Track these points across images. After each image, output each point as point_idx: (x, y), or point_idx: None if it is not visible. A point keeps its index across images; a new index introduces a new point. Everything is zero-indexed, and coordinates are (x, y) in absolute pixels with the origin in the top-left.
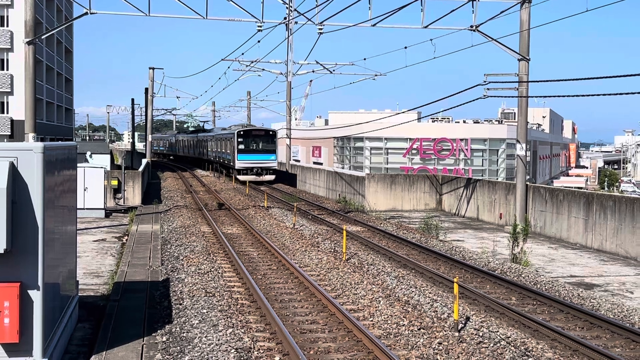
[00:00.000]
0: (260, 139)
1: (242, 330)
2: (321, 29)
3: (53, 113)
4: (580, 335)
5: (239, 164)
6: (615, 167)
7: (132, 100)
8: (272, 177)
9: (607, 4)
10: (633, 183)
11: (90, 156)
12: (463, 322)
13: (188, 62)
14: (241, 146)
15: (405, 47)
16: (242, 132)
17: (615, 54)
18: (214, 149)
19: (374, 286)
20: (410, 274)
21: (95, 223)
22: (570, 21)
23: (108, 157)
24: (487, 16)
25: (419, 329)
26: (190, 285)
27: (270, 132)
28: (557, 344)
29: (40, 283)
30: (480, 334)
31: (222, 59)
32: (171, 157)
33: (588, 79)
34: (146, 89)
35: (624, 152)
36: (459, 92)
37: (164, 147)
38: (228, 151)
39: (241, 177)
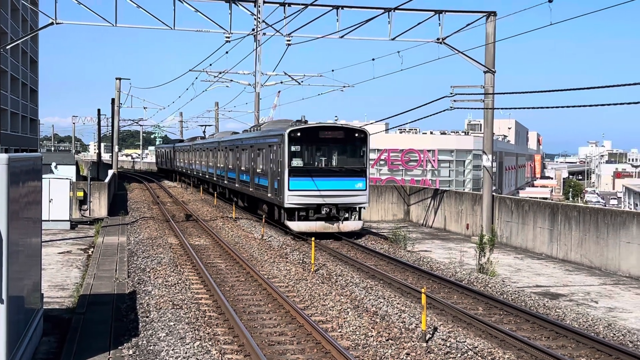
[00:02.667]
0: (336, 147)
1: (210, 343)
2: (289, 40)
3: (18, 124)
4: (546, 345)
5: (291, 198)
6: (580, 177)
7: (99, 110)
8: (358, 225)
9: (570, 18)
10: (597, 194)
11: (56, 167)
12: (431, 332)
13: (155, 72)
14: (297, 160)
15: (373, 59)
16: (301, 132)
17: (579, 66)
18: (235, 165)
19: (342, 297)
20: (379, 285)
21: (61, 235)
22: (535, 34)
23: (74, 168)
24: (454, 29)
25: (387, 340)
26: (157, 297)
27: (356, 134)
28: (523, 354)
29: (4, 296)
30: (448, 345)
31: (190, 70)
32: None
33: (552, 91)
34: (113, 100)
35: (588, 163)
36: (427, 104)
37: (162, 159)
38: (262, 169)
39: (295, 226)
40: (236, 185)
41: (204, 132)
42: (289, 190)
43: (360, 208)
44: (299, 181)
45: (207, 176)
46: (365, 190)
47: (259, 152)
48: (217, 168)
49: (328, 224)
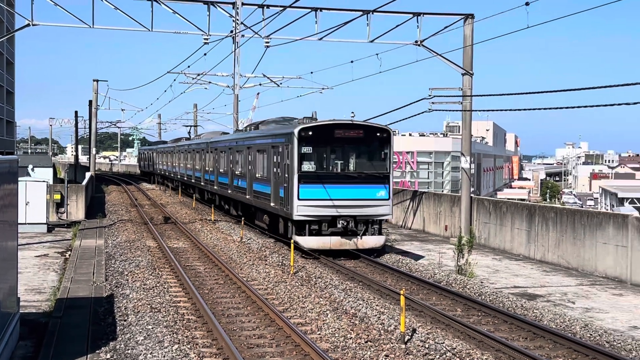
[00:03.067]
0: (354, 148)
1: (189, 346)
2: (268, 42)
3: None
4: (524, 345)
5: (301, 208)
6: (557, 179)
7: (76, 112)
8: (379, 241)
9: (547, 21)
10: (574, 195)
11: (32, 170)
12: (410, 334)
13: (133, 74)
14: (308, 164)
15: (352, 61)
16: (313, 131)
17: (556, 68)
18: (228, 168)
19: (321, 299)
20: (358, 287)
21: (37, 238)
22: (512, 37)
23: (51, 170)
24: (432, 31)
25: (367, 342)
26: (135, 301)
27: (378, 133)
28: (501, 355)
29: None
30: (427, 346)
31: (168, 72)
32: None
33: (530, 93)
34: (90, 101)
35: (565, 164)
36: (405, 106)
37: (145, 162)
38: (263, 174)
39: (306, 242)
40: (229, 191)
41: (189, 132)
42: (298, 199)
43: (381, 221)
44: (311, 189)
45: (193, 180)
46: (388, 199)
47: (260, 155)
48: (206, 172)
49: (345, 239)
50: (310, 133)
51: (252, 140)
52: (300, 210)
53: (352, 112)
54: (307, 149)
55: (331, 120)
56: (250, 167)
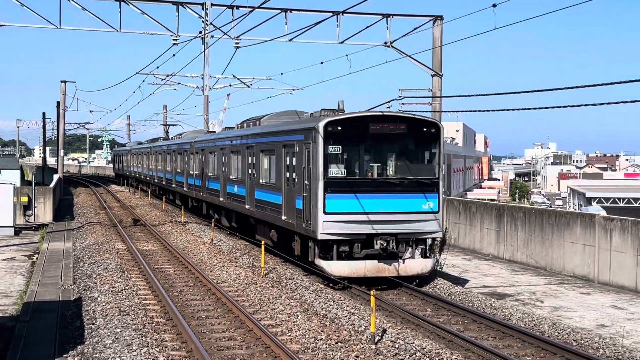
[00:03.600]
0: (395, 147)
1: (157, 350)
2: (238, 43)
3: None
4: (493, 344)
5: (328, 225)
6: (526, 179)
7: (44, 114)
8: (426, 265)
9: (515, 22)
10: (543, 195)
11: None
12: (380, 334)
13: (102, 75)
14: (337, 168)
15: (322, 62)
16: (344, 125)
17: (525, 69)
18: (219, 173)
19: (292, 300)
20: (328, 288)
21: (4, 241)
22: (481, 38)
23: (18, 172)
24: (402, 32)
25: (337, 343)
26: (104, 304)
27: (425, 127)
28: (470, 354)
29: None
30: (397, 346)
31: (136, 73)
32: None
33: (499, 94)
34: (58, 103)
35: (534, 164)
36: (375, 107)
37: (120, 165)
38: (270, 180)
39: (334, 267)
40: (221, 199)
41: (167, 132)
42: (324, 213)
43: (429, 239)
44: (340, 200)
45: (173, 185)
46: (438, 212)
47: (265, 156)
48: (190, 176)
49: (383, 264)
50: (340, 128)
51: (254, 138)
52: (327, 227)
53: (389, 104)
54: (335, 149)
55: (365, 112)
56: (251, 170)
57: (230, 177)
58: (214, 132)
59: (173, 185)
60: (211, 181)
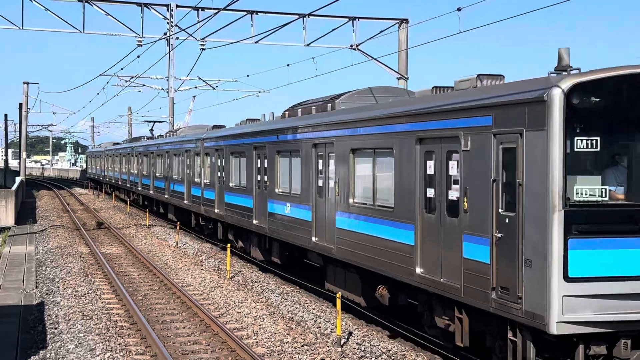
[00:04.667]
0: None
1: (121, 354)
2: (203, 45)
3: None
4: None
5: (576, 304)
6: None
7: (5, 116)
8: None
9: (478, 27)
10: None
11: None
12: (346, 337)
13: (65, 76)
14: (592, 180)
15: (288, 65)
16: (601, 89)
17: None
18: (260, 181)
19: (258, 304)
20: (295, 291)
21: None
22: (446, 41)
23: None
24: (368, 35)
25: (303, 346)
26: (67, 308)
27: None
28: (436, 356)
29: None
30: (362, 349)
31: (100, 74)
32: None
33: None
34: (20, 104)
35: None
36: None
37: (95, 169)
38: (401, 206)
39: None
40: (254, 222)
41: (152, 130)
42: (566, 280)
43: None
44: (603, 251)
45: (166, 196)
46: None
47: (394, 160)
48: (195, 184)
49: None
50: (595, 99)
51: (366, 126)
52: (572, 308)
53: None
54: (587, 142)
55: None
56: (350, 183)
57: (279, 191)
58: (223, 127)
59: (166, 196)
60: (234, 195)
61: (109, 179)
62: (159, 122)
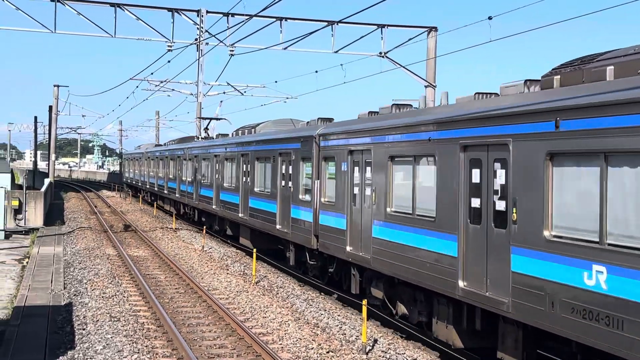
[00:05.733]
0: None
1: (148, 356)
2: (232, 50)
3: None
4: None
5: None
6: None
7: (35, 118)
8: None
9: (509, 35)
10: None
11: None
12: (371, 344)
13: (95, 80)
14: None
15: (316, 71)
16: None
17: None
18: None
19: (283, 309)
20: (320, 297)
21: None
22: (476, 49)
23: (8, 176)
24: (396, 43)
25: (328, 352)
26: (94, 309)
27: None
28: None
29: None
30: (388, 356)
31: (130, 78)
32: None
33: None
34: (50, 107)
35: None
36: None
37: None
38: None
39: None
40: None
41: (207, 129)
42: None
43: None
44: None
45: (240, 214)
46: None
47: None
48: (298, 203)
49: None
50: None
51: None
52: None
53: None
54: None
55: None
56: None
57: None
58: (331, 120)
59: (240, 215)
60: (396, 224)
61: (150, 186)
62: (217, 119)
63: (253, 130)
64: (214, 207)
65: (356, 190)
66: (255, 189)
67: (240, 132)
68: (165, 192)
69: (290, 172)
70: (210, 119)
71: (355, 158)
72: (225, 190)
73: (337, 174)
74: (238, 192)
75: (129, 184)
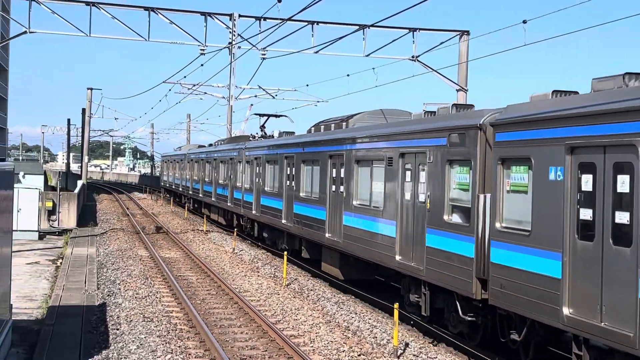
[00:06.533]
0: None
1: (181, 356)
2: (264, 54)
3: None
4: None
5: None
6: None
7: (68, 120)
8: None
9: (544, 40)
10: None
11: (23, 177)
12: (402, 348)
13: (128, 83)
14: None
15: (348, 75)
16: None
17: (554, 86)
18: None
19: (314, 312)
20: (350, 300)
21: (29, 245)
22: (509, 53)
23: (42, 178)
24: (428, 47)
25: (359, 355)
26: (128, 310)
27: None
28: None
29: None
30: None
31: (163, 81)
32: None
33: None
34: (83, 110)
35: None
36: None
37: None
38: None
39: None
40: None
41: (263, 127)
42: None
43: None
44: None
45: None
46: None
47: None
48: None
49: None
50: None
51: None
52: None
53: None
54: None
55: None
56: None
57: None
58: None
59: (327, 235)
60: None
61: (194, 192)
62: (276, 116)
63: (345, 124)
64: (283, 221)
65: (588, 213)
66: (355, 203)
67: (323, 127)
68: (214, 199)
69: (424, 179)
70: (269, 115)
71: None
72: (302, 201)
73: (537, 183)
74: (323, 205)
75: (167, 188)
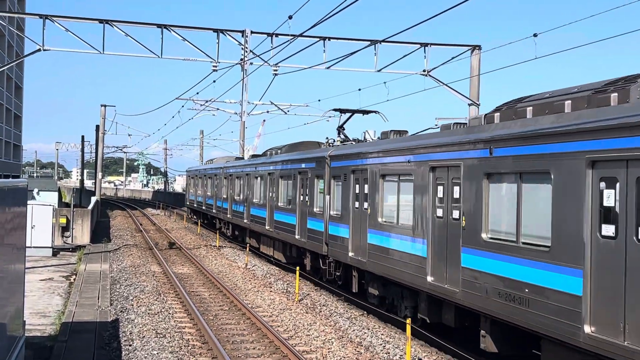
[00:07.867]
0: None
1: None
2: (276, 70)
3: (1, 150)
4: None
5: None
6: None
7: (82, 137)
8: None
9: (554, 53)
10: None
11: (38, 193)
12: None
13: (141, 99)
14: None
15: (359, 89)
16: None
17: None
18: None
19: (326, 327)
20: (362, 315)
21: (43, 262)
22: (520, 67)
23: (56, 194)
24: (439, 61)
25: None
26: (141, 326)
27: None
28: None
29: None
30: None
31: (176, 98)
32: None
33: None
34: (97, 126)
35: None
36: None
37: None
38: None
39: None
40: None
41: (342, 128)
42: None
43: None
44: None
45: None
46: None
47: None
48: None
49: None
50: None
51: None
52: None
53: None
54: None
55: None
56: None
57: None
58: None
59: (442, 283)
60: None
61: (233, 215)
62: (363, 112)
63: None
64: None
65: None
66: (486, 237)
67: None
68: (268, 228)
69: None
70: (353, 111)
71: None
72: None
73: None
74: (423, 238)
75: (194, 209)
